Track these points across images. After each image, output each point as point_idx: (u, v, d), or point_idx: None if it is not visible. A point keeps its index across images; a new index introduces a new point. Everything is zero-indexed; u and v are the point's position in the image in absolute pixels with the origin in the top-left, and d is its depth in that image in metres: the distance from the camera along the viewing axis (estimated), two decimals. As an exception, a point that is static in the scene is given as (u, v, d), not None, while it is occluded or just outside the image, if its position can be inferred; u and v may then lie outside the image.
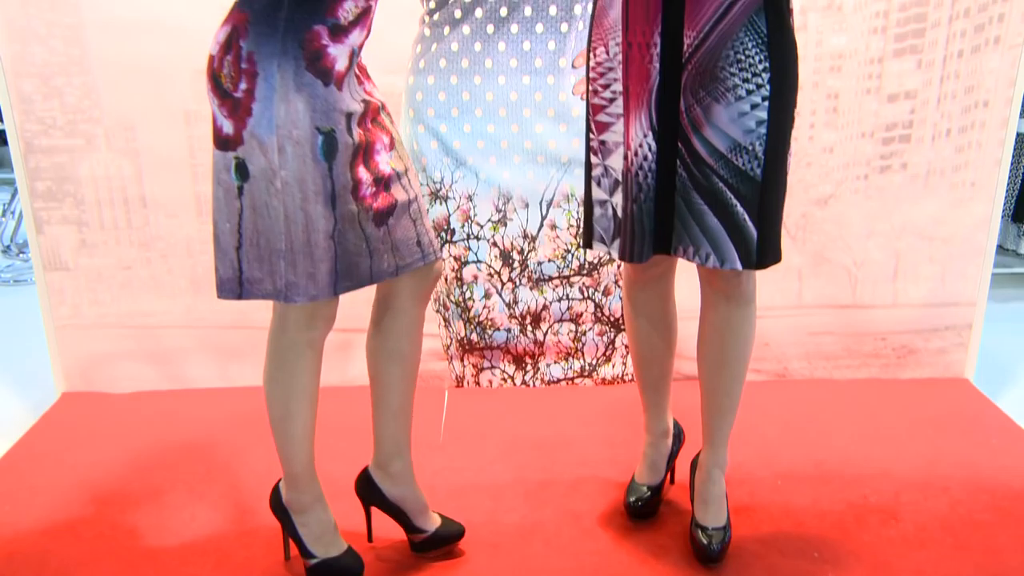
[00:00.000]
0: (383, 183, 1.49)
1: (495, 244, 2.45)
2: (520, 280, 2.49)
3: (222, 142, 1.40)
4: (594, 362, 2.59)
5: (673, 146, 1.55)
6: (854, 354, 2.67)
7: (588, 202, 1.72)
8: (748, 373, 1.77)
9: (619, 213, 1.64)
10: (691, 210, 1.57)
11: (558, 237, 2.45)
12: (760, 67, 1.49)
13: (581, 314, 2.53)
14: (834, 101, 2.46)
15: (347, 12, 1.39)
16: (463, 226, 2.44)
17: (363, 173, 1.45)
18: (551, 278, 2.49)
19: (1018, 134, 3.33)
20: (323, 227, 1.41)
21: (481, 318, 2.52)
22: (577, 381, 2.61)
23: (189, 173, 2.43)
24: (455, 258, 2.47)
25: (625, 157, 1.59)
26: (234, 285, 1.48)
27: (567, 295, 2.51)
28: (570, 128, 2.35)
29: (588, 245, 1.75)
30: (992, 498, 2.00)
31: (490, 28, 2.27)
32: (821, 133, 2.47)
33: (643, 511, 1.89)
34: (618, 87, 1.58)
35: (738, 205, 1.54)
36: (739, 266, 1.57)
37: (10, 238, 4.15)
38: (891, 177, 2.53)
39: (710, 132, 1.51)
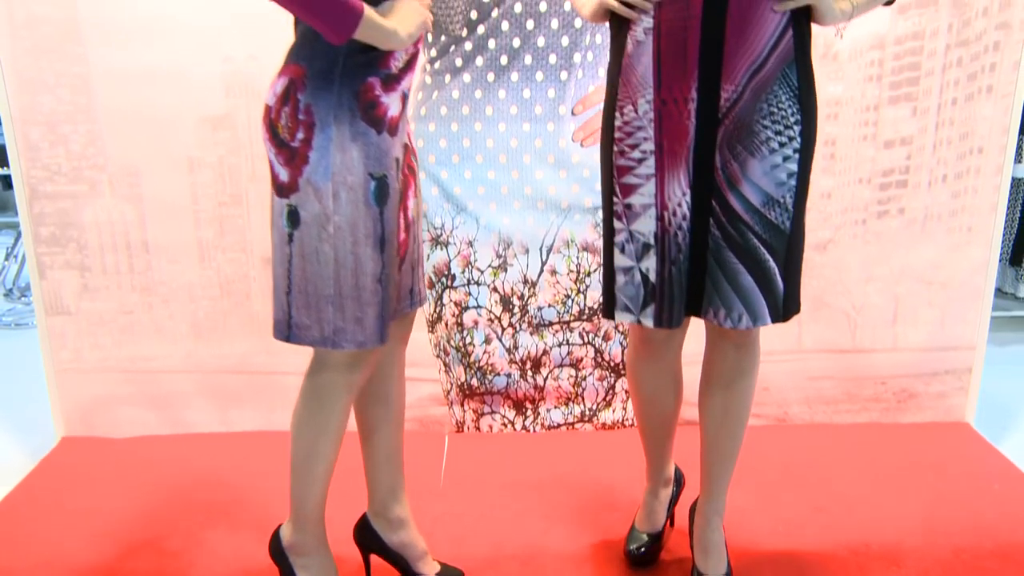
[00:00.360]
0: (408, 228, 1.55)
1: (495, 289, 2.47)
2: (520, 325, 2.50)
3: (279, 188, 1.44)
4: (594, 407, 2.59)
5: (706, 204, 1.54)
6: (854, 398, 2.67)
7: (609, 270, 1.65)
8: (748, 418, 1.77)
9: (652, 278, 1.58)
10: (724, 270, 1.55)
11: (558, 282, 2.46)
12: (792, 119, 1.51)
13: (581, 359, 2.54)
14: (832, 147, 2.49)
15: (398, 61, 1.44)
16: (463, 271, 2.45)
17: (400, 217, 1.51)
18: (551, 323, 2.50)
19: (1014, 179, 3.36)
20: (371, 270, 1.44)
21: (481, 363, 2.52)
22: (577, 426, 2.61)
23: (191, 219, 2.45)
24: (455, 303, 2.48)
25: (660, 218, 1.55)
26: (283, 327, 1.50)
27: (567, 340, 2.51)
28: (570, 174, 2.37)
29: (610, 315, 1.66)
30: (995, 544, 1.99)
31: (491, 76, 2.31)
32: (819, 179, 2.50)
33: (643, 558, 1.88)
34: (649, 146, 1.53)
35: (770, 260, 1.54)
36: (768, 321, 1.58)
37: (12, 281, 4.16)
38: (889, 222, 2.55)
39: (746, 187, 1.51)
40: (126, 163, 2.42)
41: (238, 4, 2.26)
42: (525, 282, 2.46)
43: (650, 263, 1.58)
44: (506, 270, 2.45)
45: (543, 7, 2.25)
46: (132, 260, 2.49)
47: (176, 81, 2.34)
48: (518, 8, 2.25)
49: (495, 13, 2.25)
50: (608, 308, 1.67)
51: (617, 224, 1.60)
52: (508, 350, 2.51)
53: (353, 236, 1.42)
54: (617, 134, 1.56)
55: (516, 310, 2.49)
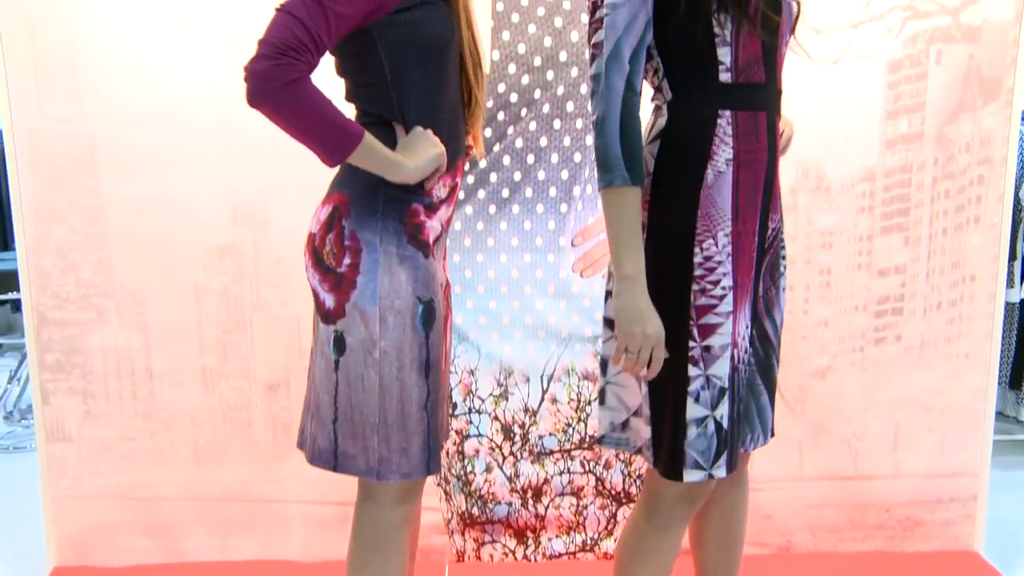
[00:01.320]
0: (445, 354, 1.55)
1: (496, 418, 2.48)
2: (521, 454, 2.49)
3: (325, 316, 1.43)
4: (596, 536, 2.56)
5: (762, 329, 1.57)
6: (858, 526, 2.64)
7: (679, 424, 1.47)
8: (750, 547, 1.77)
9: (725, 424, 1.46)
10: (753, 393, 1.57)
11: (559, 411, 2.47)
12: (784, 251, 1.62)
13: (583, 488, 2.52)
14: (827, 276, 2.54)
15: (439, 190, 1.47)
16: (465, 400, 2.47)
17: (444, 343, 1.51)
18: (552, 452, 2.50)
19: (1009, 304, 3.40)
20: (417, 396, 1.43)
21: (482, 492, 2.51)
22: (579, 555, 2.57)
23: (196, 346, 2.48)
24: (457, 432, 2.48)
25: (732, 358, 1.47)
26: (329, 456, 1.47)
27: (568, 468, 2.51)
28: (570, 304, 2.41)
29: (677, 476, 1.47)
30: None
31: (492, 208, 2.38)
32: (815, 307, 2.54)
33: None
34: (728, 282, 1.45)
35: (778, 376, 1.62)
36: (771, 436, 1.62)
37: (13, 404, 4.16)
38: (886, 349, 2.57)
39: (776, 312, 1.60)
40: (134, 291, 2.46)
41: (246, 137, 2.34)
42: (526, 411, 2.47)
43: (724, 409, 1.46)
44: (507, 399, 2.47)
45: (543, 142, 2.34)
46: (135, 386, 2.50)
47: (185, 211, 2.40)
48: (519, 143, 2.33)
49: (497, 148, 2.33)
50: (675, 468, 1.47)
51: (692, 371, 1.45)
52: (509, 478, 2.50)
53: (399, 361, 1.41)
54: (698, 271, 1.45)
55: (517, 438, 2.49)
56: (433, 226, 1.47)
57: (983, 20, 2.39)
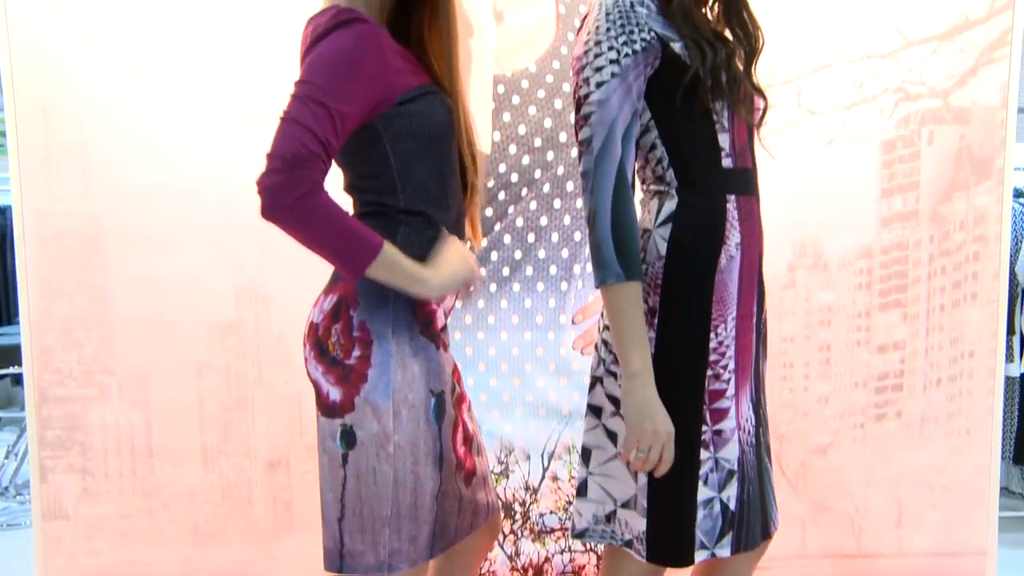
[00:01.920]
0: (471, 442, 1.52)
1: (497, 496, 2.45)
2: (522, 532, 2.47)
3: (328, 410, 1.38)
4: (598, 616, 2.53)
5: (759, 415, 1.55)
6: (865, 606, 2.61)
7: (688, 508, 1.45)
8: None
9: (732, 506, 1.46)
10: (762, 475, 1.55)
11: (560, 489, 2.46)
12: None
13: (584, 567, 2.49)
14: (826, 353, 2.55)
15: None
16: (466, 476, 2.45)
17: (458, 432, 1.48)
18: (553, 530, 2.48)
19: (1009, 377, 3.40)
20: (430, 488, 1.40)
21: (484, 570, 2.48)
22: (581, 636, 2.53)
23: (197, 423, 2.48)
24: (457, 508, 2.46)
25: (739, 440, 1.48)
26: (335, 558, 1.41)
27: (569, 547, 2.48)
28: (571, 382, 2.42)
29: (689, 560, 1.46)
30: None
31: (493, 286, 2.40)
32: (815, 384, 2.54)
33: None
34: (732, 365, 1.47)
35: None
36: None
37: (9, 480, 4.12)
38: (886, 425, 2.57)
39: (765, 390, 1.59)
40: (136, 368, 2.47)
41: (250, 215, 2.36)
42: (527, 488, 2.46)
43: (732, 491, 1.46)
44: (508, 477, 2.46)
45: (544, 221, 2.37)
46: (135, 464, 2.49)
47: (189, 289, 2.43)
48: (520, 222, 2.37)
49: (498, 227, 2.37)
50: (685, 552, 1.46)
51: (703, 454, 1.45)
52: (510, 557, 2.47)
53: (414, 456, 1.37)
54: (712, 356, 1.45)
55: (518, 517, 2.47)
56: (440, 315, 1.47)
57: (972, 103, 2.44)
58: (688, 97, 1.42)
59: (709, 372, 1.45)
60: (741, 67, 1.47)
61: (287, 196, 1.27)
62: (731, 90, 1.42)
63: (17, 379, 4.31)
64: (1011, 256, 3.19)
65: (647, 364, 1.39)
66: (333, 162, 1.48)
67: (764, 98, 1.53)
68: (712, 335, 1.45)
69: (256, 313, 2.44)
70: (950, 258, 2.52)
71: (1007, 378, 3.30)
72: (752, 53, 1.51)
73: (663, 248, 1.45)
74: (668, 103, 1.43)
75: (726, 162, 1.45)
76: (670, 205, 1.47)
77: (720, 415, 1.45)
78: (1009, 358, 3.33)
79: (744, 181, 1.48)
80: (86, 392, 2.46)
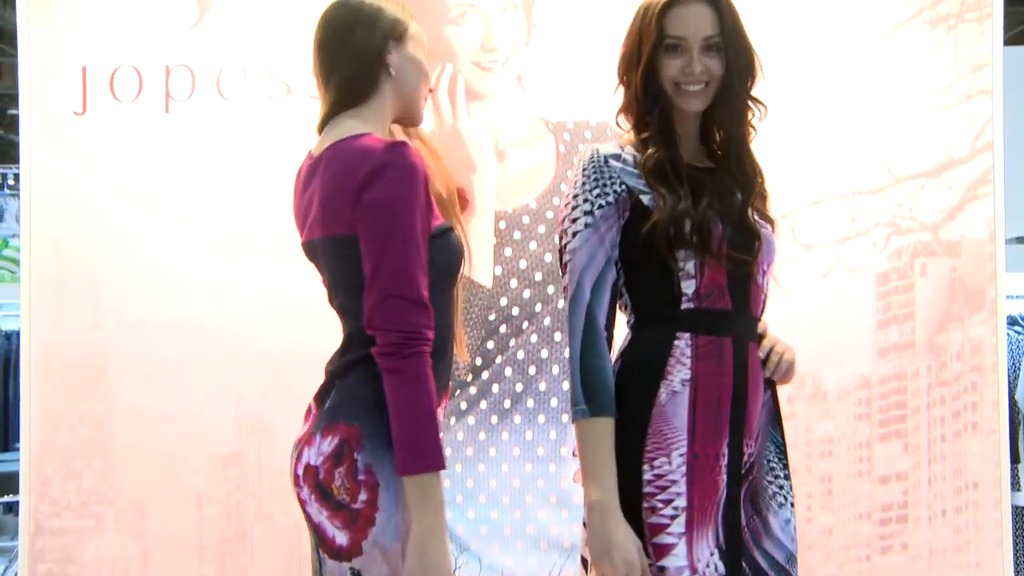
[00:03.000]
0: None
1: (499, 632, 2.41)
2: (523, 671, 2.41)
3: (335, 553, 1.37)
4: None
5: (738, 566, 1.50)
6: None
7: None
8: None
9: None
10: None
11: (561, 625, 2.41)
12: (783, 474, 1.59)
13: None
14: (828, 484, 2.53)
15: (444, 409, 1.48)
16: (466, 613, 2.41)
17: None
18: (555, 668, 2.41)
19: (1017, 507, 3.37)
20: None
21: None
22: None
23: (195, 555, 2.44)
24: (457, 646, 2.41)
25: None
26: None
27: None
28: (572, 514, 2.40)
29: None
30: None
31: (494, 419, 2.41)
32: (818, 516, 2.52)
33: None
34: (682, 502, 1.44)
35: None
36: None
37: (0, 610, 4.03)
38: (894, 558, 2.53)
39: (769, 543, 1.54)
40: (135, 499, 2.45)
41: (254, 346, 2.40)
42: (528, 624, 2.41)
43: None
44: (509, 612, 2.41)
45: (544, 354, 2.40)
46: (129, 599, 2.45)
47: (191, 419, 2.43)
48: (521, 355, 2.40)
49: (499, 360, 2.39)
50: None
51: None
52: None
53: None
54: (648, 488, 1.45)
55: (519, 655, 2.41)
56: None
57: (961, 236, 2.51)
58: (647, 246, 1.48)
59: (645, 504, 1.44)
60: (717, 215, 1.50)
61: (424, 345, 1.36)
62: (696, 239, 1.46)
63: (10, 507, 4.25)
64: (1010, 384, 3.21)
65: (609, 496, 1.41)
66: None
67: (758, 237, 1.54)
68: (647, 467, 1.45)
69: (258, 444, 2.45)
70: (948, 388, 2.54)
71: (1014, 507, 3.26)
72: (748, 195, 1.56)
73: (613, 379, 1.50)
74: (632, 250, 1.51)
75: (686, 304, 1.49)
76: (626, 340, 1.57)
77: (662, 551, 1.43)
78: (1015, 487, 3.30)
79: (710, 322, 1.50)
80: (82, 524, 2.44)
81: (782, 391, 2.48)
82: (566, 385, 2.37)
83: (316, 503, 1.41)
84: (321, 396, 1.52)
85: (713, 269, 1.48)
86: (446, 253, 1.51)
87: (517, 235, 2.40)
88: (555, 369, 2.40)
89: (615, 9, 2.38)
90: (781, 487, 1.59)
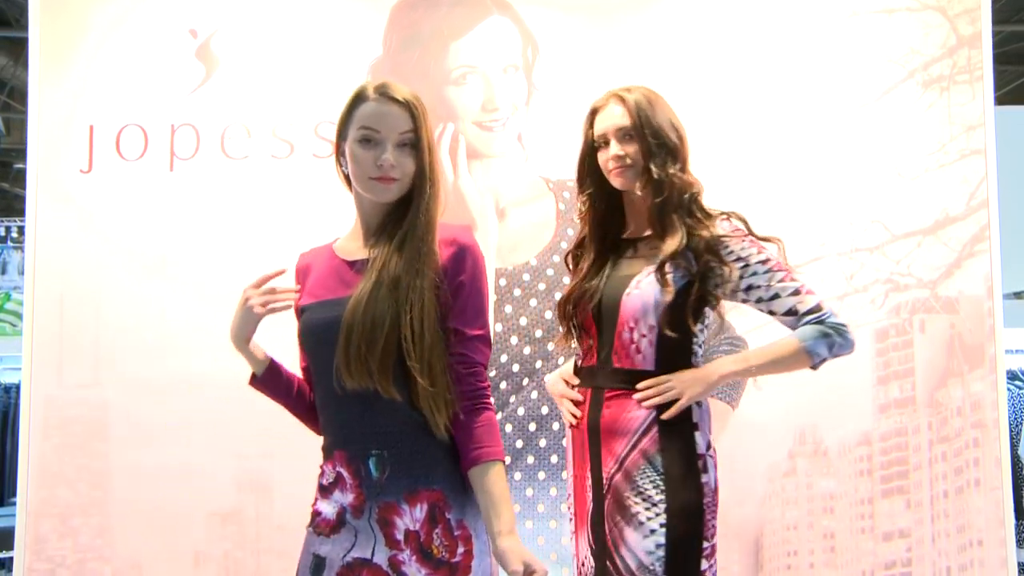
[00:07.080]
0: None
1: None
2: None
3: None
4: None
5: (604, 565, 1.73)
6: None
7: None
8: None
9: None
10: None
11: None
12: (657, 499, 1.69)
13: None
14: (831, 541, 2.51)
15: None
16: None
17: None
18: None
19: (1021, 564, 3.33)
20: None
21: None
22: None
23: (191, 614, 2.42)
24: None
25: (578, 572, 1.79)
26: None
27: None
28: (572, 572, 2.37)
29: None
30: None
31: (495, 475, 2.40)
32: (821, 573, 2.49)
33: None
34: (571, 511, 1.82)
35: None
36: None
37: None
38: (899, 617, 2.51)
39: (624, 552, 1.70)
40: (131, 556, 2.43)
41: (253, 404, 2.39)
42: None
43: None
44: (509, 675, 2.37)
45: (544, 410, 2.40)
46: (123, 660, 2.42)
47: (190, 476, 2.43)
48: (521, 411, 2.40)
49: (499, 416, 2.39)
50: None
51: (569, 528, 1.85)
52: None
53: None
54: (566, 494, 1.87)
55: None
56: None
57: (959, 293, 2.52)
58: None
59: (566, 505, 1.88)
60: (602, 287, 1.78)
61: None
62: (572, 310, 1.81)
63: (3, 563, 4.20)
64: (1012, 438, 3.19)
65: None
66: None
67: (618, 302, 1.76)
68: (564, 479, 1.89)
69: (257, 501, 2.43)
70: (950, 444, 2.53)
71: (1020, 564, 3.23)
72: (720, 283, 1.74)
73: None
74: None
75: (579, 361, 1.84)
76: None
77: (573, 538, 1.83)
78: (1020, 543, 3.27)
79: (584, 375, 1.81)
80: (78, 582, 2.42)
81: (783, 446, 2.49)
82: (566, 441, 2.39)
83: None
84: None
85: (585, 333, 1.81)
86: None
87: (517, 292, 2.41)
88: (555, 426, 2.40)
89: (614, 70, 2.44)
90: (647, 508, 1.70)
